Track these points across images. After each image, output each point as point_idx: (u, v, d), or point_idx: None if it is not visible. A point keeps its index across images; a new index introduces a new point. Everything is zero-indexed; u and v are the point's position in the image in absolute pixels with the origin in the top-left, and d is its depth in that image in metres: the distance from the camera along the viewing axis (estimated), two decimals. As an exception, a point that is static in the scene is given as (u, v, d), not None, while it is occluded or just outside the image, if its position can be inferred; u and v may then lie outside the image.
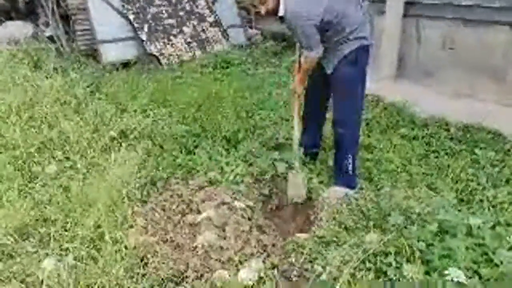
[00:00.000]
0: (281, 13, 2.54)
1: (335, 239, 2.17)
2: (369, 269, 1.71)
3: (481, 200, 2.52)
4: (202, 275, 1.93)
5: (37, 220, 2.40)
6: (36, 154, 3.03)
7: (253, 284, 1.74)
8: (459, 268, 1.68)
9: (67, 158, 3.06)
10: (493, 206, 2.47)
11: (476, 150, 3.16)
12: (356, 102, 2.75)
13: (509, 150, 3.15)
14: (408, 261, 1.79)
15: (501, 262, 1.74)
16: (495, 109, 3.85)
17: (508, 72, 4.03)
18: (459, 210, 2.36)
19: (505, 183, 2.74)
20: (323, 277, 1.88)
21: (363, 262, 1.69)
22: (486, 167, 2.90)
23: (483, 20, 4.17)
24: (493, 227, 2.10)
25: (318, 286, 1.77)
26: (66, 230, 2.29)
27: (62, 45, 6.07)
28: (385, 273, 1.76)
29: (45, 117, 3.51)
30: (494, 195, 2.55)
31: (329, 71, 2.69)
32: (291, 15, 2.49)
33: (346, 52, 2.58)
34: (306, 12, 2.44)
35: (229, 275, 1.60)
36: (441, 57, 4.56)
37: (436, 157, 3.16)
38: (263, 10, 2.66)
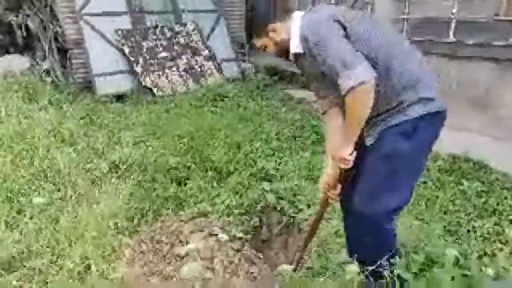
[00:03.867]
0: (293, 49, 1.78)
1: (322, 270, 2.17)
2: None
3: (468, 231, 2.54)
4: (188, 308, 1.91)
5: (23, 253, 2.37)
6: (26, 186, 3.03)
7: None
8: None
9: (58, 190, 3.06)
10: (480, 237, 2.49)
11: (463, 181, 3.20)
12: (397, 190, 1.74)
13: (494, 181, 3.20)
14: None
15: (487, 293, 1.75)
16: (480, 140, 3.94)
17: (492, 105, 4.16)
18: (447, 241, 2.37)
19: (491, 213, 2.77)
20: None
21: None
22: (472, 198, 2.94)
23: (468, 56, 4.34)
24: (479, 258, 2.12)
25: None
26: (52, 263, 2.27)
27: (58, 78, 6.18)
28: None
29: (37, 149, 3.53)
30: (481, 226, 2.58)
31: (367, 143, 1.76)
32: (312, 33, 1.65)
33: (399, 120, 1.68)
34: (331, 15, 1.65)
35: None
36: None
37: (425, 188, 3.20)
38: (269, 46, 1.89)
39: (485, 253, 2.30)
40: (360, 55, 1.57)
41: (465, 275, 1.95)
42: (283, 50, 1.84)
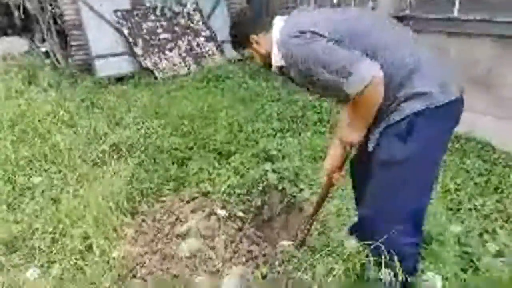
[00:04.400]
0: (275, 62, 1.67)
1: (323, 248, 2.16)
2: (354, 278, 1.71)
3: (469, 209, 2.54)
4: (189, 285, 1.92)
5: (25, 232, 2.39)
6: (27, 167, 3.04)
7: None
8: (447, 275, 1.69)
9: (59, 171, 3.06)
10: (481, 215, 2.49)
11: (466, 160, 3.18)
12: (399, 202, 1.56)
13: (497, 160, 3.18)
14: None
15: (487, 270, 1.75)
16: (483, 120, 3.90)
17: (495, 83, 4.09)
18: (448, 219, 2.37)
19: (494, 191, 2.76)
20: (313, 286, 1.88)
21: (349, 270, 1.69)
22: (474, 176, 2.93)
23: (469, 33, 4.26)
24: (480, 235, 2.11)
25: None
26: (54, 242, 2.28)
27: (57, 60, 6.13)
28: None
29: (38, 131, 3.52)
30: (482, 204, 2.57)
31: (369, 148, 1.64)
32: (289, 44, 1.54)
33: (393, 119, 1.52)
34: (306, 27, 1.52)
35: (212, 281, 1.60)
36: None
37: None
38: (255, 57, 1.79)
39: (486, 231, 2.29)
40: (353, 53, 1.44)
41: (465, 252, 1.96)
42: (267, 63, 1.73)
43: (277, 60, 1.65)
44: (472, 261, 1.85)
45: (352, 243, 1.55)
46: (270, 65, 1.72)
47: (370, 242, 1.53)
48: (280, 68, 1.68)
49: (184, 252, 1.75)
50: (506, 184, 2.85)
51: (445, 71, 1.55)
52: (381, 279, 1.37)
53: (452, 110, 1.51)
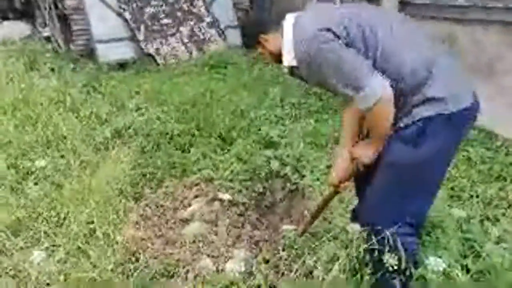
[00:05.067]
0: (287, 62, 1.62)
1: (326, 234, 2.18)
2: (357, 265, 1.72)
3: (471, 196, 2.54)
4: (193, 269, 1.94)
5: (29, 216, 2.41)
6: (29, 152, 3.05)
7: (244, 277, 1.75)
8: (449, 262, 1.70)
9: (62, 156, 3.07)
10: (482, 202, 2.49)
11: (468, 148, 3.17)
12: (405, 203, 1.55)
13: (499, 147, 3.17)
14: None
15: (488, 255, 1.76)
16: (487, 107, 3.87)
17: (497, 71, 4.06)
18: (450, 206, 2.37)
19: (495, 179, 2.76)
20: (314, 272, 1.90)
21: (353, 257, 1.70)
22: (477, 164, 2.92)
23: (475, 19, 4.20)
24: (481, 222, 2.12)
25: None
26: (58, 226, 2.30)
27: (58, 45, 6.09)
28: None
29: (40, 116, 3.52)
30: (484, 191, 2.58)
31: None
32: (305, 50, 1.50)
33: (404, 123, 1.48)
34: (320, 25, 1.46)
35: (215, 265, 1.62)
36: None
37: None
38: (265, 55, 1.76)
39: (488, 218, 2.30)
40: (366, 65, 1.41)
41: (467, 239, 1.97)
42: (278, 60, 1.69)
43: (288, 60, 1.60)
44: (473, 247, 1.86)
45: (355, 227, 1.55)
46: (281, 63, 1.68)
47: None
48: (292, 68, 1.63)
49: (188, 237, 1.76)
50: (508, 171, 2.84)
51: (459, 77, 1.53)
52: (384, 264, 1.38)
53: (464, 117, 1.48)
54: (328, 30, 1.44)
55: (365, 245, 1.52)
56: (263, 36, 1.69)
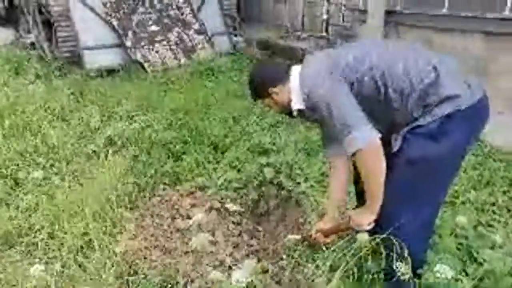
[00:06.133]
0: (296, 106, 1.74)
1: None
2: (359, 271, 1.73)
3: (463, 202, 2.59)
4: (193, 280, 1.92)
5: (21, 228, 2.34)
6: (19, 161, 2.97)
7: (246, 286, 1.74)
8: (456, 269, 1.73)
9: (52, 165, 3.01)
10: (475, 208, 2.54)
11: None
12: (425, 202, 1.60)
13: (488, 154, 3.25)
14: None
15: (484, 260, 1.80)
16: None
17: (483, 80, 4.18)
18: (445, 211, 2.41)
19: (486, 185, 2.82)
20: (315, 281, 1.90)
21: (354, 264, 1.71)
22: (467, 170, 2.99)
23: (457, 28, 4.34)
24: (475, 227, 2.17)
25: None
26: (52, 238, 2.25)
27: (44, 52, 5.99)
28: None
29: (28, 124, 3.45)
30: (476, 197, 2.63)
31: (395, 148, 1.61)
32: (310, 92, 1.62)
33: (424, 121, 1.55)
34: (323, 71, 1.61)
35: (223, 277, 1.61)
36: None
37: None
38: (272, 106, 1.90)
39: (481, 223, 2.35)
40: (362, 116, 1.53)
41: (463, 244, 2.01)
42: (286, 110, 1.83)
43: (296, 103, 1.74)
44: (471, 253, 1.90)
45: (364, 236, 1.57)
46: (289, 113, 1.82)
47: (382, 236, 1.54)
48: (300, 110, 1.76)
49: (194, 248, 1.75)
50: (497, 177, 2.91)
51: (464, 74, 1.63)
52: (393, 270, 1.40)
53: (479, 109, 1.56)
54: (332, 74, 1.58)
55: (383, 252, 1.55)
56: (271, 89, 1.78)
